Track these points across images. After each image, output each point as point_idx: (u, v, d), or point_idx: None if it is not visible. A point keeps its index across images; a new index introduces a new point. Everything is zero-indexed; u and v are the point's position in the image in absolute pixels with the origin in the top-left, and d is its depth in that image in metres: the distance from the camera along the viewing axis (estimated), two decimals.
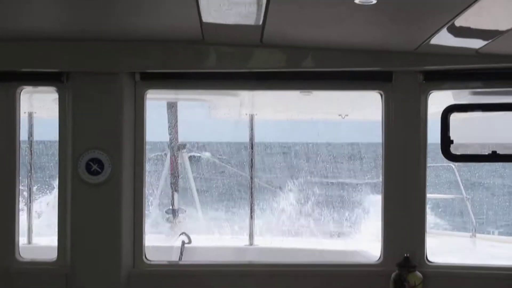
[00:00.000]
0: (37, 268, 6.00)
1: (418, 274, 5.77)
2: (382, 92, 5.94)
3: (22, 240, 8.19)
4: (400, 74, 5.84)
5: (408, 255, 5.78)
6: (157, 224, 11.88)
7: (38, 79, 5.92)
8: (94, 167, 5.78)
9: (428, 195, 6.14)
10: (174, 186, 10.91)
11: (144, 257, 5.99)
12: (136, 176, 5.95)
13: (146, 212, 6.66)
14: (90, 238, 5.81)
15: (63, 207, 5.89)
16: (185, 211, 10.76)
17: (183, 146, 11.53)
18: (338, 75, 5.84)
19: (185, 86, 6.18)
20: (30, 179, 8.78)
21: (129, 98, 5.87)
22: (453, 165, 12.17)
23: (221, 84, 6.06)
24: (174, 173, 11.07)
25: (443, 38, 5.03)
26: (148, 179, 6.49)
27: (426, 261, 5.93)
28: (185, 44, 5.67)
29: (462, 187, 12.30)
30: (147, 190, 6.10)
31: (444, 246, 10.12)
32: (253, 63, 5.80)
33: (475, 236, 11.05)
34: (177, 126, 10.95)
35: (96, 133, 5.82)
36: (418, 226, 5.93)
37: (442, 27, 4.65)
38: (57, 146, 5.92)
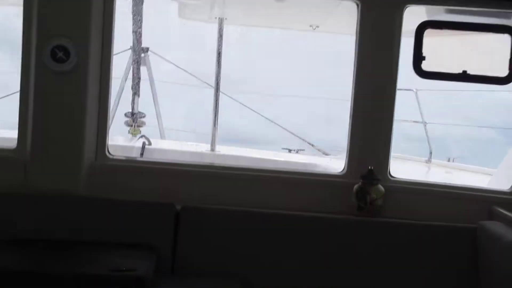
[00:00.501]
0: None
1: (380, 187, 5.81)
2: (358, 2, 5.84)
3: None
4: None
5: (372, 168, 5.81)
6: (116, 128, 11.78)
7: None
8: (60, 54, 5.58)
9: None
10: (135, 89, 10.76)
11: (107, 151, 5.91)
12: (103, 66, 5.79)
13: None
14: (52, 127, 5.67)
15: (25, 95, 5.71)
16: (145, 115, 10.65)
17: (146, 49, 11.34)
18: None
19: None
20: None
21: None
22: (414, 89, 12.22)
23: None
24: (136, 76, 10.90)
25: None
26: None
27: (389, 176, 5.97)
28: None
29: (421, 112, 12.36)
30: None
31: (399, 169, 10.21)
32: None
33: (430, 161, 11.19)
34: (141, 26, 10.73)
35: (63, 18, 5.60)
36: (384, 142, 5.93)
37: None
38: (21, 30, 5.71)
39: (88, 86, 5.67)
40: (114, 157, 5.95)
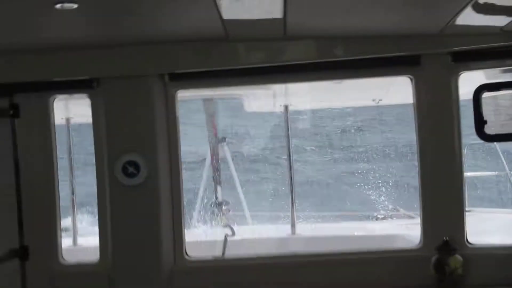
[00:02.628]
0: (80, 271, 6.13)
1: (459, 257, 5.75)
2: (411, 76, 5.93)
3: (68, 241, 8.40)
4: (428, 57, 5.81)
5: (447, 238, 5.77)
6: (203, 219, 12.00)
7: (70, 87, 6.04)
8: (131, 169, 5.89)
9: (471, 173, 6.10)
10: (217, 179, 10.98)
11: (184, 253, 6.08)
12: (173, 175, 6.04)
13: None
14: (130, 238, 5.93)
15: (102, 209, 6.01)
16: (230, 203, 10.82)
17: (223, 139, 11.62)
18: (367, 62, 5.84)
19: (214, 84, 6.24)
20: (72, 184, 8.91)
21: (160, 99, 5.96)
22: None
23: (250, 80, 6.10)
24: (215, 166, 11.15)
25: (468, 17, 5.01)
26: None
27: (466, 243, 5.90)
28: (210, 42, 5.72)
29: (504, 163, 12.16)
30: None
31: (486, 224, 10.02)
32: (280, 56, 5.83)
33: None
34: (215, 119, 11.04)
35: (130, 136, 5.92)
36: (456, 208, 5.90)
37: (466, 5, 4.63)
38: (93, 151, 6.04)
39: (160, 195, 5.92)
40: (193, 259, 6.12)
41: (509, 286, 5.62)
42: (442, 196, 5.89)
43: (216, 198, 10.69)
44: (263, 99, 8.31)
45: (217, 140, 11.23)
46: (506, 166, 12.33)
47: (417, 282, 5.80)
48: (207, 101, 10.15)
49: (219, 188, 10.83)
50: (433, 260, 5.78)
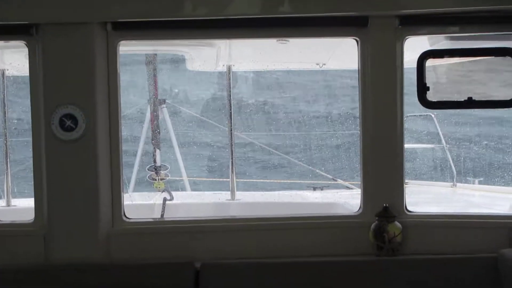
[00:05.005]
0: (14, 230, 5.93)
1: (397, 224, 5.75)
2: (358, 38, 5.86)
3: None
4: (376, 19, 5.74)
5: (387, 205, 5.77)
6: (141, 183, 11.88)
7: (6, 32, 5.74)
8: (68, 123, 5.66)
9: (408, 145, 6.12)
10: (156, 143, 10.85)
11: (123, 215, 5.92)
12: (111, 131, 5.84)
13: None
14: (67, 197, 5.71)
15: (38, 166, 5.78)
16: (168, 167, 10.71)
17: (162, 101, 11.47)
18: (315, 21, 5.74)
19: (159, 36, 6.01)
20: (5, 139, 8.65)
21: (101, 50, 5.72)
22: (432, 114, 12.21)
23: (196, 33, 5.93)
24: (155, 129, 11.00)
25: None
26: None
27: (406, 211, 5.91)
28: None
29: (441, 136, 12.33)
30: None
31: (424, 196, 10.18)
32: (228, 9, 5.67)
33: (455, 185, 11.11)
34: (156, 80, 10.87)
35: (68, 87, 5.67)
36: (396, 177, 5.89)
37: None
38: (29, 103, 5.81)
39: (98, 152, 5.72)
40: (131, 221, 5.97)
41: (446, 254, 5.66)
42: (382, 163, 5.87)
43: (155, 162, 10.57)
44: (206, 59, 8.17)
45: (157, 102, 11.09)
46: (442, 139, 12.52)
47: (356, 249, 5.80)
48: (149, 59, 9.96)
49: (158, 151, 10.70)
50: (373, 226, 5.77)
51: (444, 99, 5.91)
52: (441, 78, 6.29)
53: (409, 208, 5.94)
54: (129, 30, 5.76)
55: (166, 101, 11.91)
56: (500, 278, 5.40)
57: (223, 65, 8.67)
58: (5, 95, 8.55)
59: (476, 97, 5.73)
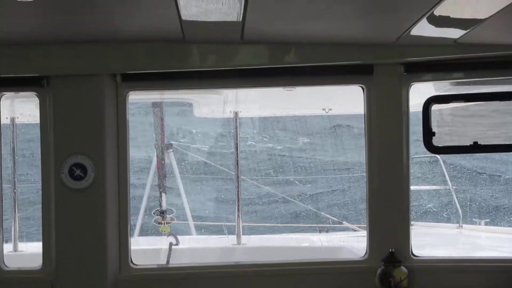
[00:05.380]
0: (22, 277, 5.94)
1: (403, 269, 5.75)
2: (363, 86, 5.93)
3: (8, 247, 8.19)
4: (381, 67, 5.83)
5: (393, 250, 5.78)
6: (147, 227, 11.86)
7: (18, 84, 5.85)
8: (77, 172, 5.73)
9: (415, 187, 6.14)
10: (162, 187, 10.86)
11: (130, 262, 5.94)
12: (120, 180, 5.90)
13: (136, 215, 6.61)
14: (75, 244, 5.75)
15: (46, 214, 5.83)
16: (174, 211, 10.71)
17: (169, 145, 11.51)
18: (320, 70, 5.82)
19: (168, 87, 6.13)
20: (14, 186, 8.69)
21: (111, 100, 5.81)
22: (438, 156, 12.22)
23: (204, 83, 6.02)
24: (161, 174, 11.02)
25: (423, 29, 5.02)
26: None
27: (412, 256, 5.92)
28: (166, 43, 5.60)
29: (448, 178, 12.32)
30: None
31: (430, 239, 10.13)
32: (235, 60, 5.77)
33: (461, 227, 11.06)
34: (163, 125, 10.92)
35: (78, 137, 5.75)
36: (402, 220, 5.91)
37: (422, 17, 4.64)
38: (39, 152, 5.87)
39: (107, 200, 5.77)
40: (138, 267, 5.98)
41: None
42: (388, 208, 5.90)
43: (161, 206, 10.57)
44: (213, 105, 8.24)
45: (164, 147, 11.13)
46: (449, 181, 12.51)
47: None
48: (156, 105, 10.03)
49: (164, 195, 10.71)
50: (379, 271, 5.77)
51: (449, 144, 5.96)
52: (446, 122, 6.34)
53: (415, 252, 5.95)
54: (138, 81, 5.85)
55: (173, 145, 11.95)
56: None
57: (230, 112, 8.73)
58: (16, 143, 8.62)
59: (481, 142, 5.77)
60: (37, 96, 5.86)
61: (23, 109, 7.77)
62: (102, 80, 5.75)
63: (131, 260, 5.94)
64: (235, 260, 8.46)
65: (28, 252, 8.55)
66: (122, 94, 5.87)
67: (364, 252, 6.01)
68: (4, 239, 6.06)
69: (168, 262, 8.47)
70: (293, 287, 5.92)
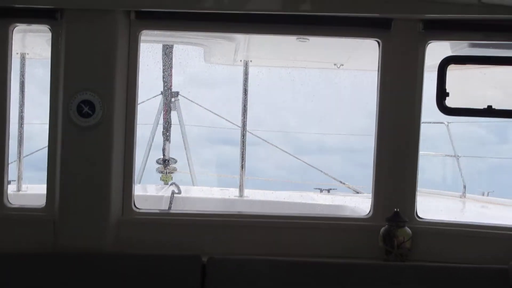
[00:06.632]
0: (25, 214, 5.92)
1: (407, 229, 5.72)
2: (379, 40, 5.83)
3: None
4: (399, 22, 5.72)
5: (398, 210, 5.73)
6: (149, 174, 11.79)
7: (31, 16, 5.75)
8: (85, 109, 5.66)
9: (423, 152, 6.07)
10: (166, 135, 10.79)
11: (133, 205, 5.92)
12: (127, 120, 5.84)
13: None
14: (79, 184, 5.71)
15: (52, 151, 5.78)
16: (177, 161, 10.66)
17: (176, 93, 11.40)
18: (336, 20, 5.72)
19: (181, 28, 6.05)
20: (21, 124, 8.61)
21: (123, 38, 5.74)
22: (445, 122, 12.09)
23: (217, 26, 5.93)
24: (166, 122, 10.94)
25: None
26: None
27: (416, 217, 5.89)
28: None
29: (453, 145, 12.21)
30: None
31: (432, 206, 10.08)
32: (249, 4, 5.73)
33: (464, 196, 10.99)
34: (171, 72, 10.80)
35: (88, 74, 5.68)
36: (409, 182, 5.87)
37: None
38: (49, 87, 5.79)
39: (113, 140, 5.72)
40: (141, 211, 5.96)
41: (455, 263, 5.61)
42: (396, 168, 5.84)
43: (164, 154, 10.51)
44: (224, 52, 8.14)
45: (170, 94, 11.03)
46: (454, 148, 12.39)
47: (364, 252, 5.78)
48: (166, 48, 9.88)
49: (167, 144, 10.64)
50: (382, 231, 5.74)
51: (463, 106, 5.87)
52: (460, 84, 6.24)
53: (420, 214, 5.90)
54: (152, 19, 5.78)
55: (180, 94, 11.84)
56: None
57: (241, 60, 8.64)
58: (25, 79, 8.53)
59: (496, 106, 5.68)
60: (49, 29, 5.77)
61: (35, 44, 7.67)
62: (116, 16, 5.67)
63: (134, 203, 5.92)
64: (237, 211, 8.44)
65: (31, 192, 8.53)
66: (135, 32, 5.78)
67: (368, 211, 5.95)
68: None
69: (169, 208, 8.46)
70: (295, 240, 5.89)
